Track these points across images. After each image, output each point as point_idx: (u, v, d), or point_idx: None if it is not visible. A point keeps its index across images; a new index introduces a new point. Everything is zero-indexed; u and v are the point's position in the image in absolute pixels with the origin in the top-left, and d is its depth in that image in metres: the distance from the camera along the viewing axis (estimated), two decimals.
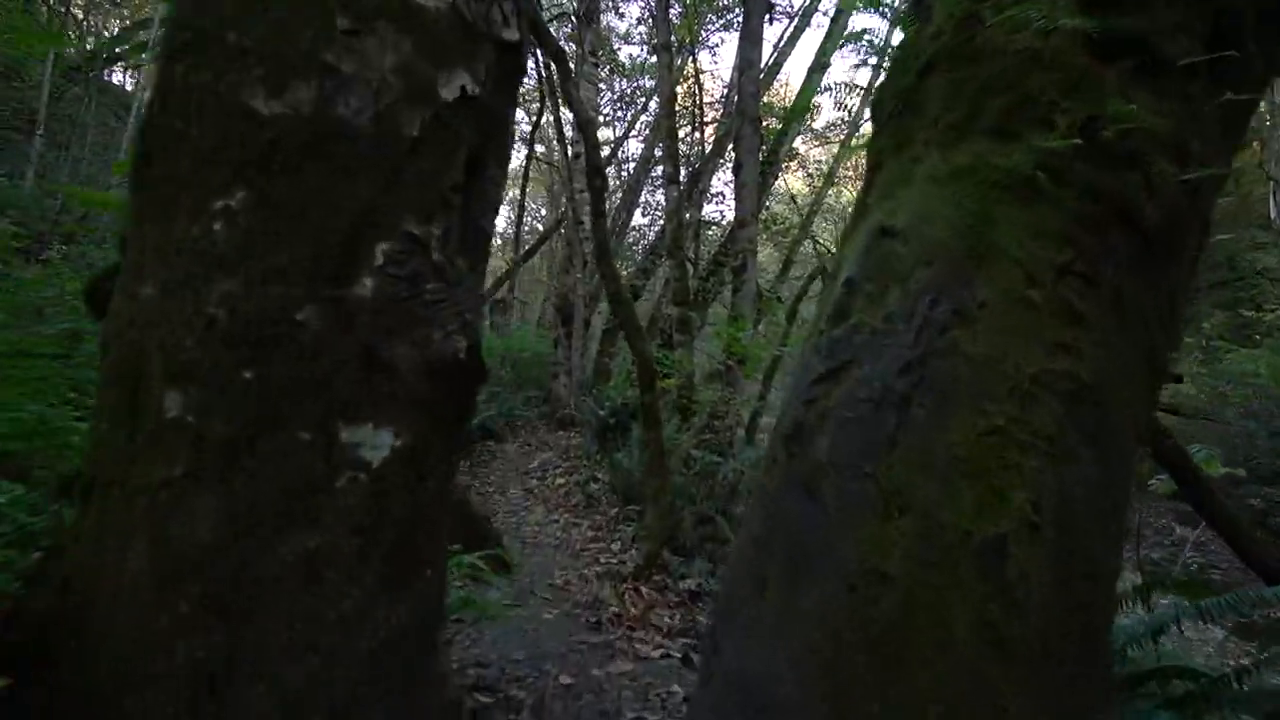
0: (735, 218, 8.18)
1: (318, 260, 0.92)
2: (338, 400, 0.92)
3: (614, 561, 4.21)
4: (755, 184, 8.29)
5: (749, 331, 6.54)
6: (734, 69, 15.24)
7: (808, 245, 17.66)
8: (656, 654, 2.72)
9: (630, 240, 21.09)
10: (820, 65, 11.42)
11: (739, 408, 7.98)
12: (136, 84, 19.24)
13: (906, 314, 1.11)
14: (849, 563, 1.02)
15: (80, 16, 21.09)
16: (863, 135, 19.35)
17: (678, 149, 8.68)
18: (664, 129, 8.28)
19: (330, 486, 0.91)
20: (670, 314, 12.04)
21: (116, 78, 24.01)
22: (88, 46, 19.27)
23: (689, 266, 9.30)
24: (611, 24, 21.56)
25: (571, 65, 8.66)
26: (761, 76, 10.64)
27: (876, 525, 1.01)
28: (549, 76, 12.52)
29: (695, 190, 13.57)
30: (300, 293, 0.90)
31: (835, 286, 1.30)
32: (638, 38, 18.15)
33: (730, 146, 14.61)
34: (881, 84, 1.63)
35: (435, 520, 1.18)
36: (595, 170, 4.46)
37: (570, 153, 11.82)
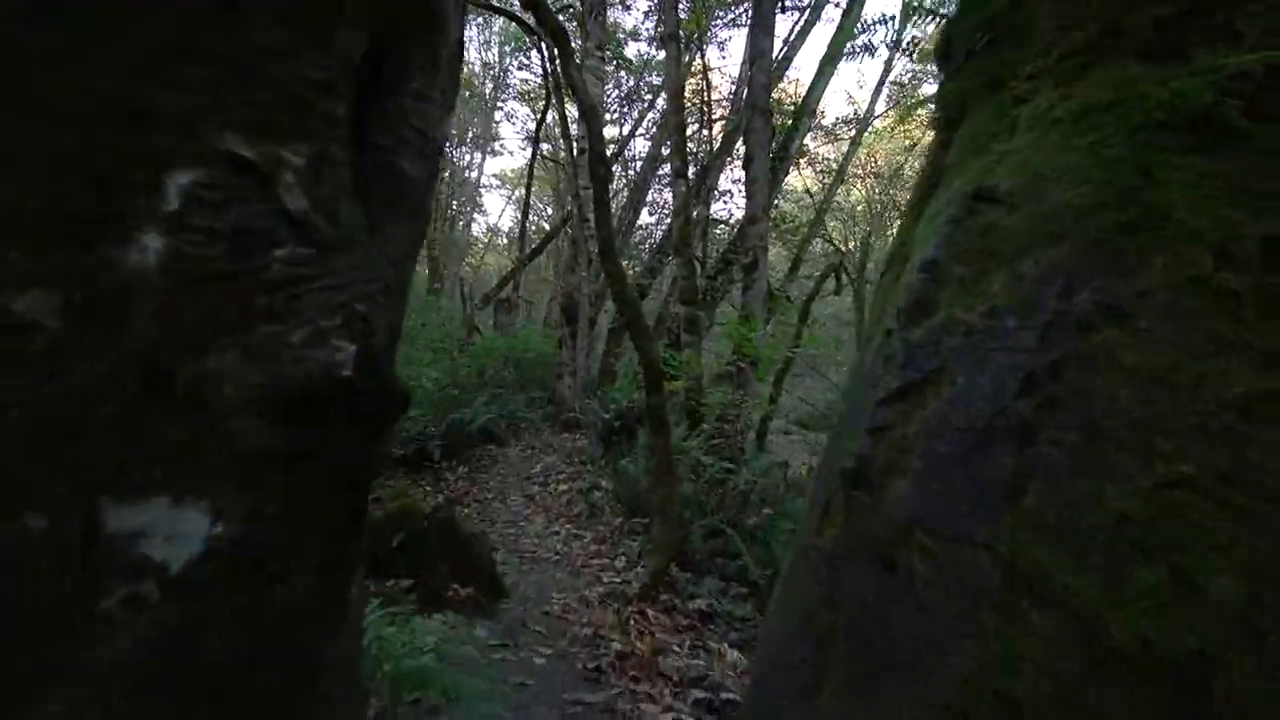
0: (745, 214, 7.84)
1: (54, 201, 0.48)
2: (99, 459, 0.48)
3: (617, 581, 3.89)
4: (766, 179, 7.95)
5: (761, 332, 6.19)
6: (743, 62, 14.93)
7: (817, 244, 17.33)
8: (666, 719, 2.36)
9: (637, 239, 20.79)
10: (832, 57, 11.04)
11: (749, 411, 7.66)
12: None
13: (1023, 307, 0.77)
14: (952, 679, 0.68)
15: None
16: (875, 130, 19.00)
17: (686, 144, 8.35)
18: (672, 123, 7.95)
19: (88, 612, 0.46)
20: (678, 313, 11.71)
21: None
22: None
23: (697, 265, 8.96)
24: (618, 19, 21.25)
25: (577, 58, 8.36)
26: (772, 69, 10.29)
27: (996, 623, 0.68)
28: (551, 62, 12.16)
29: (703, 187, 13.23)
30: (20, 263, 0.46)
31: (908, 271, 0.96)
32: (644, 33, 17.80)
33: (739, 142, 14.28)
34: (950, 22, 1.29)
35: (319, 653, 0.66)
36: (599, 159, 4.13)
37: (575, 149, 11.51)
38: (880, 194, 30.75)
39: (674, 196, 8.06)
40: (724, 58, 36.12)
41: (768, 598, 4.37)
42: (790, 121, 11.27)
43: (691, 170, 12.38)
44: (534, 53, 18.62)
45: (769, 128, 7.79)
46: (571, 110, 12.98)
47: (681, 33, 9.45)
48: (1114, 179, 0.77)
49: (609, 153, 15.76)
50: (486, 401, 8.27)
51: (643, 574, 3.89)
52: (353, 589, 0.66)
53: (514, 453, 8.08)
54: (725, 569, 4.42)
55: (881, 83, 16.35)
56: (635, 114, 20.77)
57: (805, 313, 8.04)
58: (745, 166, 7.87)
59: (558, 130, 21.06)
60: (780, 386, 7.93)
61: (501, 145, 32.06)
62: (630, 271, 19.02)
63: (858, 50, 7.44)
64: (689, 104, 15.15)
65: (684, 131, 8.18)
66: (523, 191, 18.92)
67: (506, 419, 8.42)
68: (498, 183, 30.01)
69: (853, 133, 17.00)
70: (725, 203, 15.96)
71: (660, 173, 18.38)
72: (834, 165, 19.76)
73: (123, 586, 0.44)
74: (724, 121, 15.27)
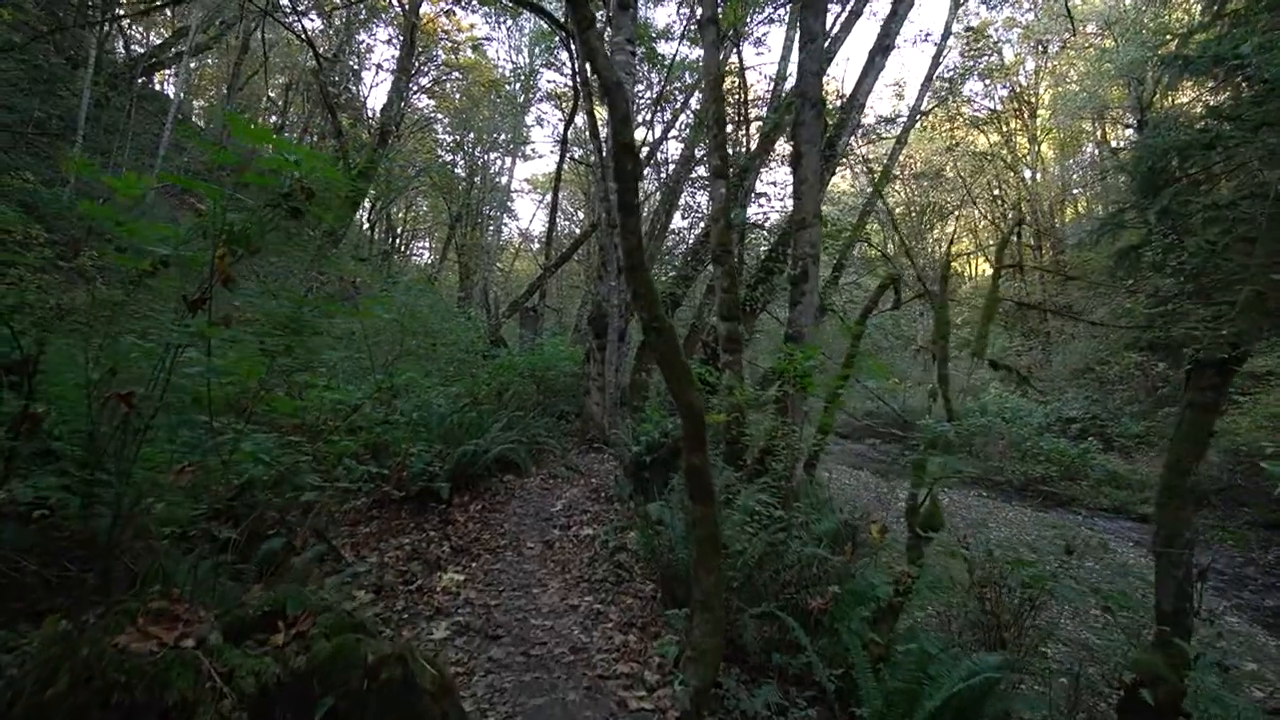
0: (793, 218, 6.82)
1: None
2: None
3: (649, 708, 2.91)
4: (818, 179, 6.92)
5: (813, 359, 5.15)
6: (780, 59, 13.89)
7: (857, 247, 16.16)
8: None
9: (670, 244, 19.82)
10: (884, 48, 9.96)
11: (797, 444, 6.63)
12: (175, 91, 18.82)
13: None
14: None
15: (126, 26, 20.75)
16: (919, 129, 17.68)
17: (725, 139, 7.36)
18: (710, 115, 6.96)
19: None
20: (714, 326, 10.68)
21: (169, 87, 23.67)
22: (127, 53, 18.84)
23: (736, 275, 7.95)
24: (648, 16, 20.31)
25: (606, 49, 7.44)
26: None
27: None
28: (580, 60, 11.25)
29: (740, 190, 12.22)
30: None
31: None
32: (677, 28, 16.82)
33: (780, 141, 13.24)
34: None
35: None
36: (625, 150, 3.18)
37: (605, 150, 10.60)
38: (919, 196, 29.35)
39: (711, 199, 7.07)
40: (760, 53, 34.81)
41: (839, 709, 3.37)
42: (838, 117, 10.20)
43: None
44: (564, 54, 17.83)
45: (820, 120, 6.76)
46: (601, 112, 12.06)
47: (720, 18, 8.47)
48: None
49: (641, 154, 14.78)
50: (504, 426, 7.37)
51: (682, 694, 2.92)
52: None
53: (534, 484, 7.17)
54: (785, 668, 3.43)
55: (929, 78, 15.13)
56: (667, 116, 19.82)
57: (859, 332, 7.00)
58: (793, 165, 6.84)
59: (588, 133, 20.24)
60: (833, 415, 6.89)
61: (533, 150, 31.37)
62: (661, 279, 17.99)
63: (913, 40, 6.39)
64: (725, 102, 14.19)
65: (724, 124, 7.19)
66: (550, 196, 18.04)
67: (527, 445, 7.51)
68: (529, 188, 29.29)
69: (896, 130, 15.78)
70: (760, 206, 14.91)
71: (694, 175, 17.42)
72: (874, 166, 18.57)
73: None
74: (760, 122, 14.25)
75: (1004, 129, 25.63)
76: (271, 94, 25.27)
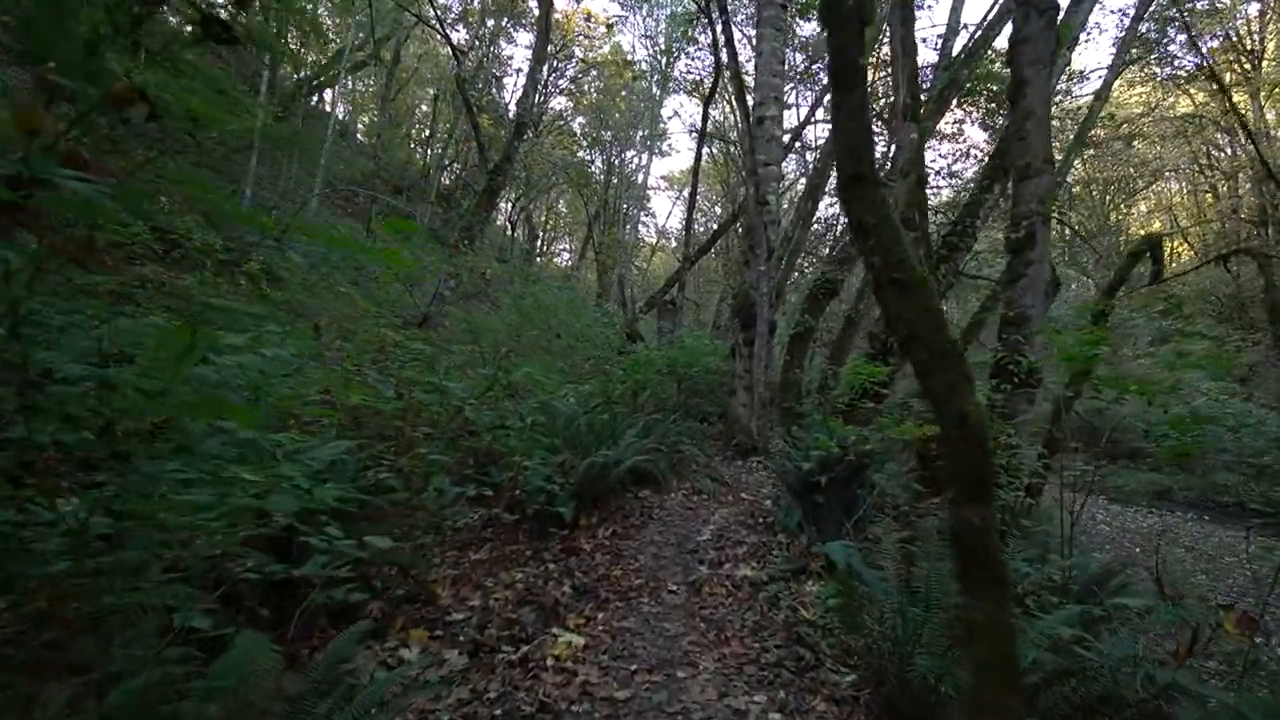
0: (1015, 165, 5.03)
1: None
2: None
3: None
4: (1046, 110, 5.11)
5: (1098, 346, 3.39)
6: (951, 10, 11.69)
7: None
8: None
9: (815, 233, 17.91)
10: None
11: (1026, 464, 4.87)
12: (332, 106, 19.53)
13: None
14: None
15: (297, 48, 21.94)
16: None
17: (917, 68, 5.67)
18: (897, 38, 5.32)
19: None
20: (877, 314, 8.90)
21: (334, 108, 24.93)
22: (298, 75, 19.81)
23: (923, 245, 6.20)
24: None
25: (752, 8, 6.04)
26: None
27: None
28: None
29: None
30: None
31: None
32: None
33: (953, 102, 11.10)
34: None
35: None
36: None
37: (750, 117, 9.10)
38: (1099, 172, 25.09)
39: (897, 146, 5.42)
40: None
41: None
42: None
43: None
44: (702, 36, 16.48)
45: (1051, 35, 4.92)
46: (747, 78, 10.59)
47: None
48: None
49: (784, 138, 13.08)
50: (640, 432, 6.11)
51: None
52: None
53: (675, 502, 5.85)
54: None
55: (1137, 18, 12.27)
56: (811, 96, 17.93)
57: (1105, 311, 5.08)
58: (1012, 95, 5.06)
59: (727, 109, 18.66)
60: (1063, 420, 5.00)
61: (670, 146, 30.31)
62: (806, 270, 16.12)
63: None
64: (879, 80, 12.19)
65: (914, 51, 5.51)
66: (688, 190, 16.72)
67: (665, 454, 6.21)
68: (665, 185, 28.24)
69: (1096, 85, 12.96)
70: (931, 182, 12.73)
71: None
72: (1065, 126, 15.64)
73: None
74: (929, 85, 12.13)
75: (1217, 86, 21.22)
76: (424, 107, 25.99)
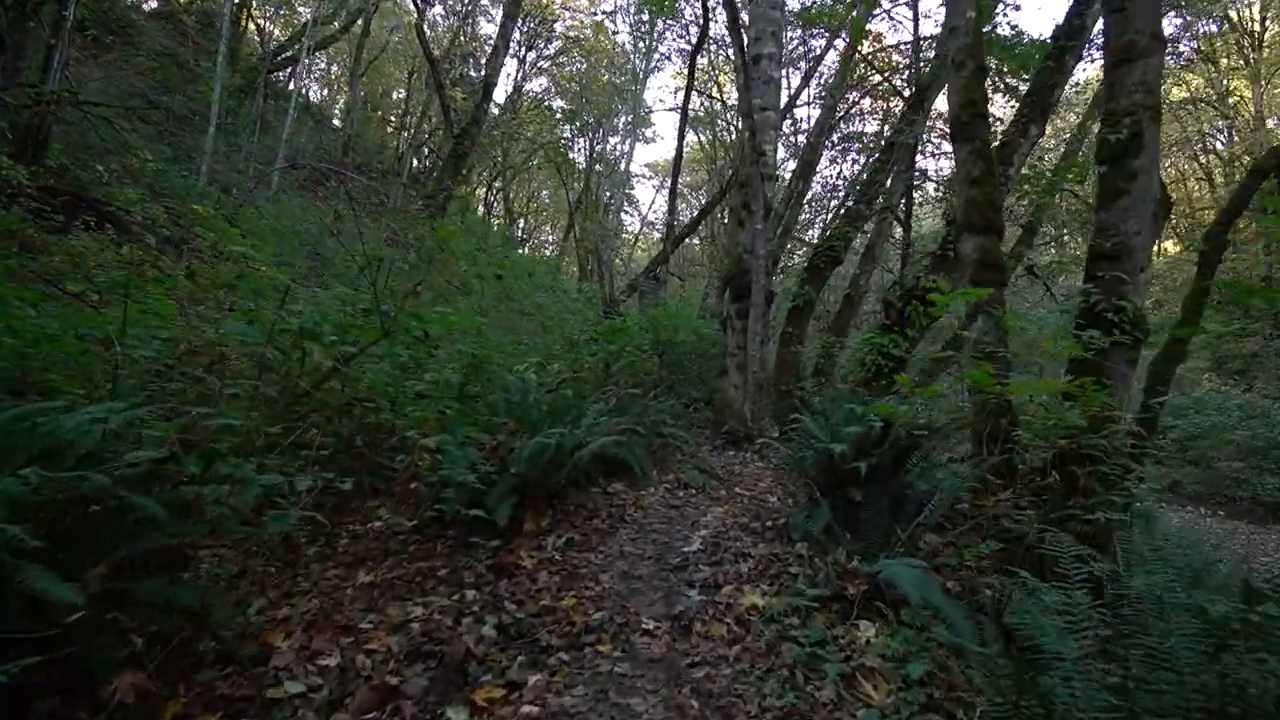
0: (1112, 46, 3.65)
1: None
2: None
3: None
4: None
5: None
6: None
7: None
8: None
9: (805, 216, 16.50)
10: None
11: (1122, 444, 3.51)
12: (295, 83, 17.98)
13: None
14: None
15: (261, 25, 20.29)
16: None
17: None
18: None
19: None
20: (918, 279, 7.45)
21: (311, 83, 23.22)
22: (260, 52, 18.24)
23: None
24: None
25: None
26: None
27: None
28: None
29: (920, 111, 8.91)
30: None
31: None
32: None
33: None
34: None
35: None
36: None
37: (749, 54, 7.68)
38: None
39: (949, 29, 4.02)
40: None
41: None
42: None
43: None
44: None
45: None
46: (743, 14, 9.15)
47: None
48: None
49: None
50: (613, 410, 4.67)
51: None
52: None
53: (655, 498, 4.40)
54: None
55: None
56: (802, 69, 16.53)
57: (1219, 245, 3.73)
58: None
59: (714, 64, 17.06)
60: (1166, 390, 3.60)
61: (655, 133, 28.94)
62: (810, 240, 14.63)
63: None
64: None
65: None
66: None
67: (645, 438, 4.77)
68: (649, 173, 26.81)
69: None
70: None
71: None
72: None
73: None
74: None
75: (1213, 70, 20.20)
76: (399, 93, 24.39)
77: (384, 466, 2.89)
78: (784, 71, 14.94)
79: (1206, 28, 20.29)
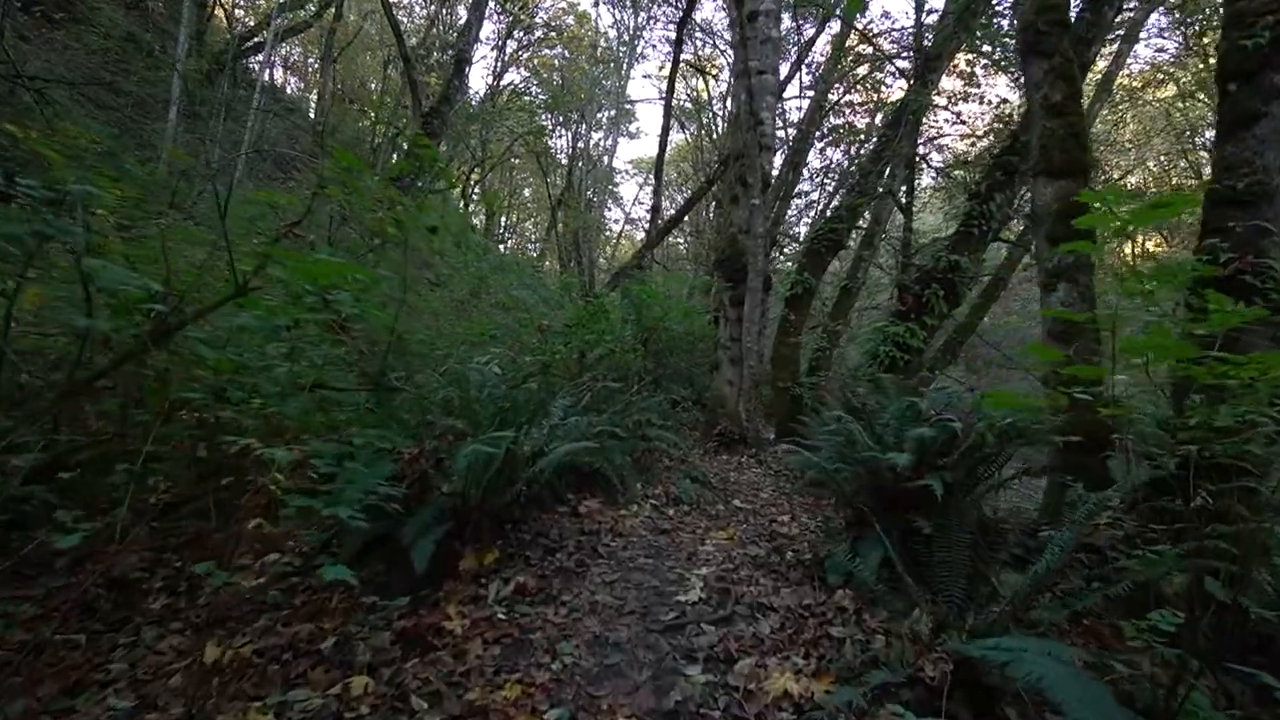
0: None
1: None
2: None
3: None
4: None
5: None
6: None
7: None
8: None
9: (793, 212, 15.56)
10: None
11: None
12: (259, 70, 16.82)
13: None
14: None
15: (228, 8, 19.05)
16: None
17: None
18: None
19: None
20: (945, 262, 6.44)
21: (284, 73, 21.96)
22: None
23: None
24: None
25: None
26: None
27: None
28: None
29: (930, 78, 8.02)
30: None
31: None
32: None
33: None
34: None
35: None
36: None
37: (745, 8, 6.74)
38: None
39: None
40: None
41: None
42: None
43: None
44: None
45: None
46: None
47: None
48: None
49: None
50: (585, 408, 3.69)
51: None
52: None
53: (638, 521, 3.41)
54: None
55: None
56: (793, 54, 15.62)
57: None
58: None
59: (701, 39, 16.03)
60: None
61: (638, 128, 28.02)
62: (783, 246, 13.86)
63: None
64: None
65: None
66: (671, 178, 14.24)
67: (628, 444, 3.79)
68: (633, 169, 25.80)
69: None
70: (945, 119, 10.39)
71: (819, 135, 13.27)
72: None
73: None
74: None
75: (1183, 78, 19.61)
76: (373, 84, 23.21)
77: (234, 489, 1.89)
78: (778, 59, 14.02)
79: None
